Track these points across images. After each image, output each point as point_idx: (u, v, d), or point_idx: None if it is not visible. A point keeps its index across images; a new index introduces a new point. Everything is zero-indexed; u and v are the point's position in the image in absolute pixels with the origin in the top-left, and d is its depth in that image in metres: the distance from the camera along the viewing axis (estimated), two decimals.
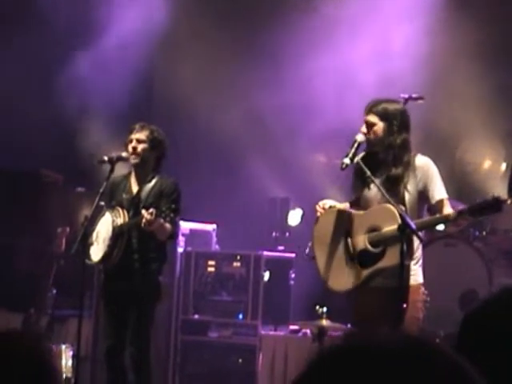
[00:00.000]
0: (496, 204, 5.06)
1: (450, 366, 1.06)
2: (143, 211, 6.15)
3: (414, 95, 6.41)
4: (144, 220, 6.09)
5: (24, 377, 2.03)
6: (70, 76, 9.70)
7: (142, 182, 6.58)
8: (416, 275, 5.36)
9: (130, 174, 6.68)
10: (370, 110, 5.43)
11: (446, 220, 5.29)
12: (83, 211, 7.91)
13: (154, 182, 6.56)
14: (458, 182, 8.41)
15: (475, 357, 1.41)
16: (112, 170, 6.51)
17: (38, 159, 9.49)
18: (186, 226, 8.65)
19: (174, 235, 6.61)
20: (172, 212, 6.16)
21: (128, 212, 6.49)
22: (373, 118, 5.41)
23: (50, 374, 2.06)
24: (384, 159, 5.42)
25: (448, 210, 5.31)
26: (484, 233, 8.16)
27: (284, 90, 9.75)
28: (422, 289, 5.39)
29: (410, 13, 9.15)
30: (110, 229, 6.43)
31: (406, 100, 6.27)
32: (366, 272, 5.34)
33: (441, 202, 5.35)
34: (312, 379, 1.06)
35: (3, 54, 9.53)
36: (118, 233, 6.40)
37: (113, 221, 6.43)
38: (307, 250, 5.66)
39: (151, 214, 6.06)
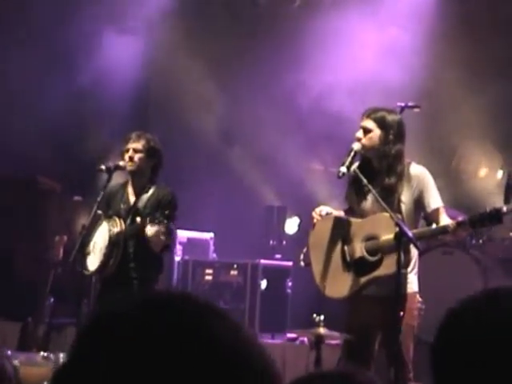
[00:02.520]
0: (496, 215, 5.06)
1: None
2: (137, 219, 6.17)
3: (410, 104, 6.44)
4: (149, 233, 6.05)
5: None
6: (69, 85, 9.72)
7: (138, 192, 6.56)
8: (412, 283, 5.38)
9: (126, 183, 6.66)
10: (368, 115, 5.44)
11: (445, 231, 5.22)
12: (81, 220, 7.91)
13: (151, 192, 6.53)
14: (454, 189, 8.41)
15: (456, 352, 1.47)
16: (109, 179, 6.50)
17: (35, 167, 9.49)
18: (183, 234, 8.66)
19: (168, 246, 6.58)
20: (166, 218, 6.11)
21: (125, 222, 6.48)
22: (370, 124, 5.42)
23: None
24: (378, 168, 5.44)
25: (444, 218, 5.32)
26: (481, 241, 8.16)
27: (280, 98, 9.78)
28: (417, 297, 5.41)
29: (410, 20, 9.19)
30: (107, 238, 6.42)
31: (403, 108, 6.29)
32: (362, 280, 5.36)
33: (437, 210, 5.36)
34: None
35: (3, 65, 9.56)
36: (114, 241, 6.39)
37: (109, 230, 6.42)
38: (302, 256, 5.67)
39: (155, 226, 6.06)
